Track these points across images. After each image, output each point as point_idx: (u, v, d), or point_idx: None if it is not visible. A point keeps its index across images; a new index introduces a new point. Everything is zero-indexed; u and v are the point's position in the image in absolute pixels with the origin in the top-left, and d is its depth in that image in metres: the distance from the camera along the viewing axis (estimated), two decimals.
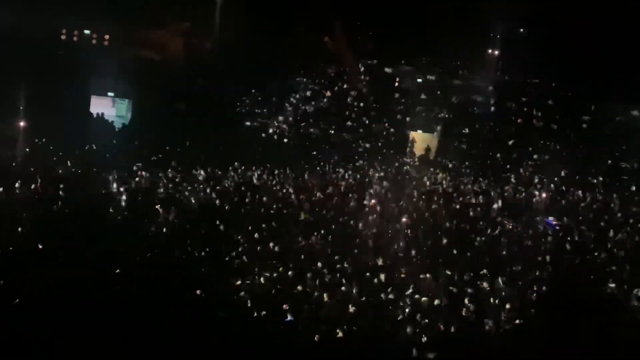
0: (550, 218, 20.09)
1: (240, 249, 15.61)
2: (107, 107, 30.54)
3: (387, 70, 32.66)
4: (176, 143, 25.83)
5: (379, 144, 29.05)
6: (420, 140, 29.78)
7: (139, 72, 29.29)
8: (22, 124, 24.42)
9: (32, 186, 18.65)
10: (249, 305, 12.84)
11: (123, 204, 18.53)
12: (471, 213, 20.01)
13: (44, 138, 24.24)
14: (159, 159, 23.96)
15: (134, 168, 22.06)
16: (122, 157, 23.79)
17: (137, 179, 21.09)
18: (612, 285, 14.59)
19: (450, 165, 27.11)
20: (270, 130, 29.81)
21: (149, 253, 15.10)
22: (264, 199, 19.78)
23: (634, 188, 24.41)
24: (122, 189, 19.84)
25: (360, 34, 31.35)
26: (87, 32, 30.51)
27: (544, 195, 22.38)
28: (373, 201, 20.13)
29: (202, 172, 22.40)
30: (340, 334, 11.85)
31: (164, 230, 16.75)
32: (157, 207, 17.94)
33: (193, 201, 19.40)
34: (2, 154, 21.85)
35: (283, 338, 11.94)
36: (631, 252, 17.11)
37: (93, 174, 21.26)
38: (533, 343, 11.99)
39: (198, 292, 12.94)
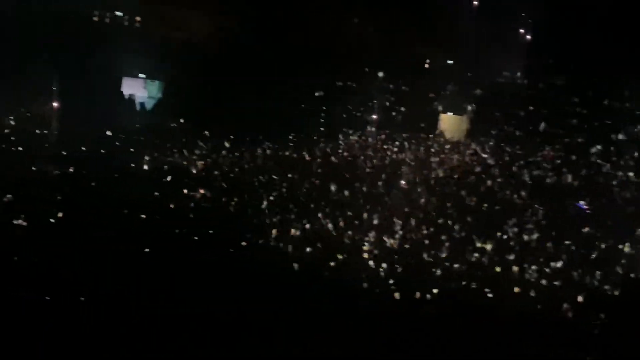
0: (581, 202, 19.72)
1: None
2: (138, 89, 30.89)
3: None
4: (207, 123, 26.04)
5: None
6: (450, 122, 29.35)
7: (169, 53, 29.47)
8: (55, 104, 24.97)
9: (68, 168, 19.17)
10: None
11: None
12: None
13: (76, 119, 24.66)
14: (190, 139, 24.20)
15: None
16: (154, 137, 24.11)
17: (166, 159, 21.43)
18: None
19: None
20: (304, 111, 29.68)
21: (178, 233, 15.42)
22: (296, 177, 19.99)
23: None
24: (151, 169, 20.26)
25: (387, 18, 30.77)
26: (118, 13, 30.78)
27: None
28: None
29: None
30: None
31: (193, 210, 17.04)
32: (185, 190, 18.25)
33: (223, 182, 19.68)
34: (35, 135, 22.39)
35: None
36: None
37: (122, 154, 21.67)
38: None
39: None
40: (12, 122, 23.50)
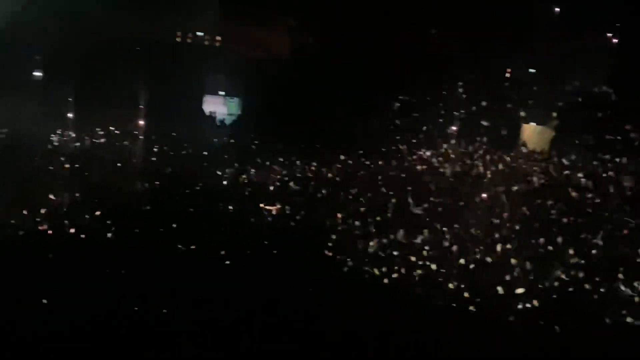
0: None
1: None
2: (218, 106, 31.91)
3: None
4: (284, 139, 26.38)
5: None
6: (533, 132, 28.47)
7: (247, 71, 30.19)
8: (140, 122, 26.11)
9: (154, 183, 19.91)
10: None
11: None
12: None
13: (159, 136, 25.65)
14: (268, 154, 24.56)
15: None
16: (233, 153, 24.64)
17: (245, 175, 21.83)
18: None
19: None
20: (378, 124, 29.61)
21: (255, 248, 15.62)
22: (370, 188, 19.88)
23: None
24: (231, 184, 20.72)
25: (464, 25, 30.26)
26: (199, 33, 31.88)
27: None
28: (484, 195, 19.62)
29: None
30: None
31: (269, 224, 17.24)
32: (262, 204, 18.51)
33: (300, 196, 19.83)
34: (120, 152, 23.38)
35: None
36: None
37: (205, 170, 22.27)
38: None
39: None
40: (102, 140, 24.68)
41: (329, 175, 22.23)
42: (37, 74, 28.85)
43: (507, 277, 14.11)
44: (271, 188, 20.61)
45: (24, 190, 19.04)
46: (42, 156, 22.34)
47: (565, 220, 17.77)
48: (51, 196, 18.14)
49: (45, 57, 28.47)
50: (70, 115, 26.18)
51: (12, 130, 24.35)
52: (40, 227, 16.03)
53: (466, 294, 13.42)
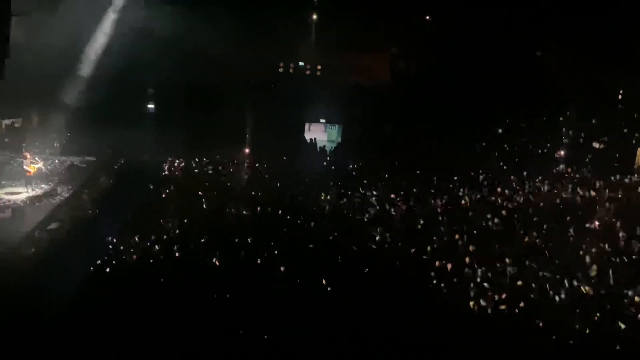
0: None
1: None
2: (319, 133, 32.51)
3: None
4: (383, 165, 26.31)
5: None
6: None
7: (348, 98, 30.54)
8: (245, 150, 27.09)
9: (257, 209, 20.39)
10: None
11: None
12: None
13: (263, 163, 26.38)
14: (369, 181, 24.53)
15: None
16: (334, 179, 24.84)
17: (345, 199, 21.90)
18: None
19: None
20: (489, 145, 28.93)
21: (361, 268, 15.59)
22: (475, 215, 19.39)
23: None
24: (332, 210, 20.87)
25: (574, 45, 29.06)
26: (301, 63, 32.78)
27: None
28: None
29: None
30: None
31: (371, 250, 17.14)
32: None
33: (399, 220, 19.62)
34: (229, 177, 24.22)
35: None
36: None
37: (307, 194, 22.59)
38: None
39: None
40: (208, 168, 25.69)
41: (432, 201, 21.79)
42: (150, 106, 30.72)
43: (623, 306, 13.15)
44: (372, 213, 20.49)
45: (136, 216, 20.14)
46: (154, 184, 23.51)
47: None
48: (162, 221, 18.98)
49: (156, 91, 30.26)
50: (179, 144, 27.50)
51: (128, 160, 26.02)
52: (151, 252, 16.76)
53: (578, 323, 12.57)
